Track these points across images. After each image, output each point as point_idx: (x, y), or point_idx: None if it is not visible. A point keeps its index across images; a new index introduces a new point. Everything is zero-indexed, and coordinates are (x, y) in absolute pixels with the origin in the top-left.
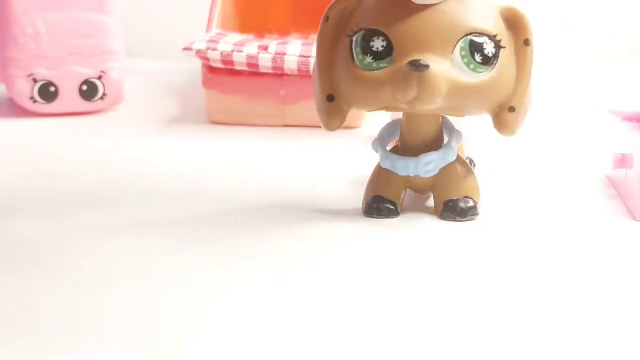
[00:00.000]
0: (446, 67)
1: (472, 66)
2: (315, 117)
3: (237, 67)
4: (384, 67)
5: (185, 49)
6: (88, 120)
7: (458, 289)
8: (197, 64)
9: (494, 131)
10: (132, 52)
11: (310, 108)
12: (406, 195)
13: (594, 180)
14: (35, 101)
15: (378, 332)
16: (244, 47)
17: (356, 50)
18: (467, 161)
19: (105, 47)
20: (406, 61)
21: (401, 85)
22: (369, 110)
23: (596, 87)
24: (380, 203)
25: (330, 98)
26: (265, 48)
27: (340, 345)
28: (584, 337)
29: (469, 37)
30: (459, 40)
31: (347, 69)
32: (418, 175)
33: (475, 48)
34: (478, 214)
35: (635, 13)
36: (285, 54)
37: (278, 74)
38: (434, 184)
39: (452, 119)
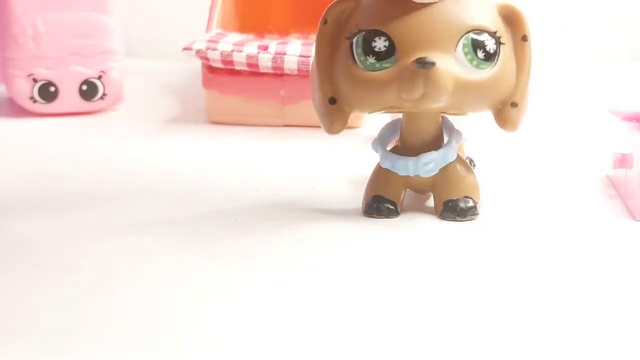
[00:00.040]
0: (451, 64)
1: (475, 63)
2: (315, 117)
3: (237, 67)
4: (387, 67)
5: (185, 49)
6: (88, 120)
7: (458, 289)
8: (197, 64)
9: (495, 130)
10: (132, 52)
11: (310, 108)
12: (406, 195)
13: (594, 180)
14: (35, 101)
15: (378, 332)
16: (244, 47)
17: (357, 51)
18: (467, 161)
19: (105, 47)
20: (411, 59)
21: (407, 83)
22: (372, 112)
23: (596, 87)
24: (380, 203)
25: (332, 101)
26: (265, 48)
27: (341, 345)
28: (584, 337)
29: (471, 34)
30: (461, 38)
31: (349, 71)
32: (418, 175)
33: (477, 45)
34: (478, 214)
35: (635, 13)
36: (285, 54)
37: (278, 74)
38: (434, 184)
39: (452, 118)
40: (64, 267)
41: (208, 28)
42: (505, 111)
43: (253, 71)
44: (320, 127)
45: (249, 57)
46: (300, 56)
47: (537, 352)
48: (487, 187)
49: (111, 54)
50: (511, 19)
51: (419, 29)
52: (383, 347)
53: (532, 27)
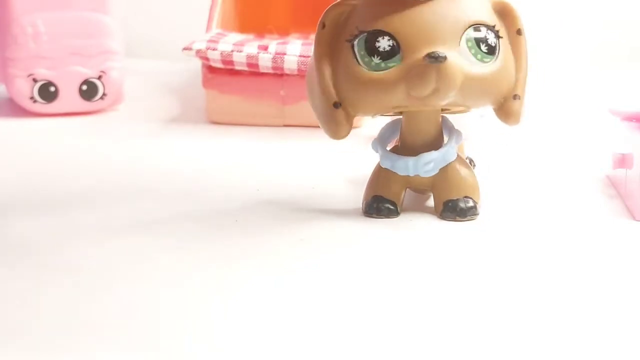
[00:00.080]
0: (458, 59)
1: (479, 56)
2: (315, 117)
3: (237, 67)
4: (392, 67)
5: (185, 49)
6: (88, 120)
7: (458, 289)
8: (197, 64)
9: (495, 128)
10: (132, 52)
11: (310, 108)
12: (406, 195)
13: (594, 180)
14: (35, 101)
15: (378, 332)
16: (244, 47)
17: (360, 53)
18: (467, 161)
19: (105, 47)
20: (419, 56)
21: (418, 79)
22: (376, 114)
23: (596, 87)
24: (380, 203)
25: (337, 105)
26: (265, 48)
27: (341, 345)
28: (584, 336)
29: (472, 28)
30: (463, 32)
31: (353, 73)
32: (418, 175)
33: (479, 39)
34: (478, 214)
35: (635, 13)
36: (285, 54)
37: (278, 74)
38: (434, 184)
39: (452, 118)
40: (64, 267)
41: (208, 28)
42: (508, 104)
43: (253, 71)
44: (320, 127)
45: (249, 57)
46: (300, 56)
47: (537, 351)
48: (487, 187)
49: (111, 54)
50: (505, 14)
51: (422, 26)
52: (383, 346)
53: (533, 26)
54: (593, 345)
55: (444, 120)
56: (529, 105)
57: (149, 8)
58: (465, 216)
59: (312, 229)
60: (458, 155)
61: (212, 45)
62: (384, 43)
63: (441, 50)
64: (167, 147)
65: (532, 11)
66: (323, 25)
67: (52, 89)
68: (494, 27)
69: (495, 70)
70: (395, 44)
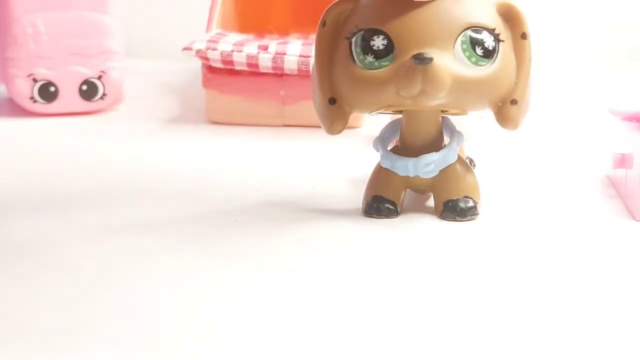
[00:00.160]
0: (449, 61)
1: (473, 59)
2: (315, 117)
3: (237, 67)
4: (385, 66)
5: (185, 49)
6: (88, 120)
7: (458, 289)
8: (197, 64)
9: (495, 129)
10: (132, 52)
11: (310, 108)
12: (406, 195)
13: (594, 180)
14: (35, 101)
15: (378, 332)
16: (244, 47)
17: (356, 50)
18: (467, 161)
19: (105, 47)
20: (409, 56)
21: (405, 79)
22: (372, 111)
23: (596, 87)
24: (380, 203)
25: (332, 101)
26: (265, 48)
27: (340, 345)
28: (584, 336)
29: (469, 31)
30: (459, 35)
31: (348, 70)
32: (418, 175)
33: (475, 42)
34: (478, 214)
35: (635, 13)
36: (285, 54)
37: (278, 74)
38: (434, 184)
39: (452, 119)
40: (64, 267)
41: (208, 28)
42: (506, 109)
43: (253, 71)
44: (320, 127)
45: (249, 57)
46: (300, 56)
47: (537, 351)
48: (487, 187)
49: (111, 54)
50: (510, 16)
51: (417, 26)
52: (383, 346)
53: (532, 26)
54: (593, 345)
55: (446, 121)
56: (531, 104)
57: (149, 8)
58: (465, 216)
59: (312, 229)
60: (458, 156)
61: (212, 45)
62: (378, 42)
63: (432, 52)
64: (167, 147)
65: (531, 11)
66: (324, 23)
67: (52, 89)
68: (493, 30)
69: (490, 73)
70: (389, 43)
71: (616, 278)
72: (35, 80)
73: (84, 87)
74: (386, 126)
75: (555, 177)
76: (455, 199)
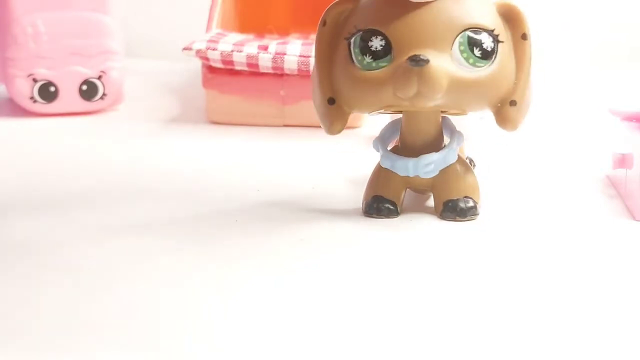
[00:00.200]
0: (446, 62)
1: (471, 61)
2: (315, 117)
3: (237, 67)
4: (383, 66)
5: (185, 49)
6: (88, 120)
7: (458, 289)
8: (197, 64)
9: (495, 129)
10: (132, 52)
11: (310, 108)
12: (406, 195)
13: (594, 180)
14: (35, 101)
15: (378, 332)
16: (244, 47)
17: (355, 51)
18: (467, 161)
19: (105, 47)
20: (406, 57)
21: (402, 81)
22: (371, 112)
23: (596, 87)
24: (380, 203)
25: (331, 101)
26: (265, 48)
27: (340, 345)
28: (584, 337)
29: (467, 32)
30: (457, 36)
31: (347, 71)
32: (418, 175)
33: (473, 43)
34: (478, 214)
35: (635, 13)
36: (285, 54)
37: (278, 74)
38: (434, 184)
39: (452, 119)
40: (64, 267)
41: (208, 28)
42: (505, 110)
43: (253, 71)
44: (320, 127)
45: (249, 57)
46: (300, 56)
47: (537, 351)
48: (487, 187)
49: (111, 54)
50: (510, 17)
51: (414, 27)
52: (383, 346)
53: (532, 26)
54: (593, 345)
55: (446, 121)
56: (531, 105)
57: (149, 8)
58: (465, 216)
59: (312, 229)
60: (458, 156)
61: (212, 45)
62: (376, 43)
63: (429, 53)
64: (167, 147)
65: (531, 11)
66: (324, 23)
67: (52, 89)
68: (492, 31)
69: (489, 75)
70: (387, 44)
71: (616, 278)
72: (35, 80)
73: (84, 87)
74: (386, 126)
75: (556, 177)
76: (455, 199)
